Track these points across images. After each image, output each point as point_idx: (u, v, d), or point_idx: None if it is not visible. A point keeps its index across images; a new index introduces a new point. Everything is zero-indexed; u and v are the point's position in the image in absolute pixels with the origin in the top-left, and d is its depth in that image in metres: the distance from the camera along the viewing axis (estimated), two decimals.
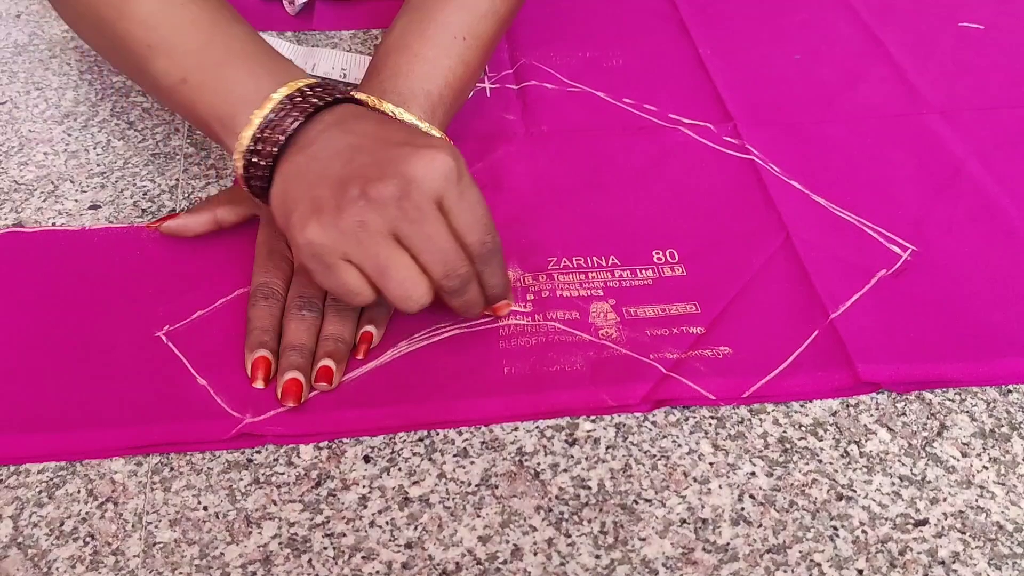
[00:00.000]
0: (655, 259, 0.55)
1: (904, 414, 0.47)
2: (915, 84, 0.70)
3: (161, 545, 0.41)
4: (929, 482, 0.44)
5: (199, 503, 0.43)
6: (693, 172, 0.62)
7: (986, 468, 0.45)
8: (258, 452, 0.45)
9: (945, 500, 0.43)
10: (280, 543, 0.42)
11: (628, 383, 0.48)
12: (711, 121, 0.66)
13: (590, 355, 0.49)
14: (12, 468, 0.45)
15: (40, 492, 0.44)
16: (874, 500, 0.43)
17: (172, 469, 0.45)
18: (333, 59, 0.71)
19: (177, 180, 0.61)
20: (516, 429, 0.46)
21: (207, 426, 0.46)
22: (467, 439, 0.46)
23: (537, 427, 0.46)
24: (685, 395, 0.48)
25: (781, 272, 0.54)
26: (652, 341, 0.50)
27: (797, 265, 0.54)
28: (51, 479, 0.44)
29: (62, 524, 0.42)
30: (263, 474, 0.44)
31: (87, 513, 0.43)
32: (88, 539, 0.42)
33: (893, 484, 0.44)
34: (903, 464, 0.45)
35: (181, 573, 0.40)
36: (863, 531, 0.42)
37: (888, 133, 0.65)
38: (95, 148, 0.64)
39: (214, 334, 0.51)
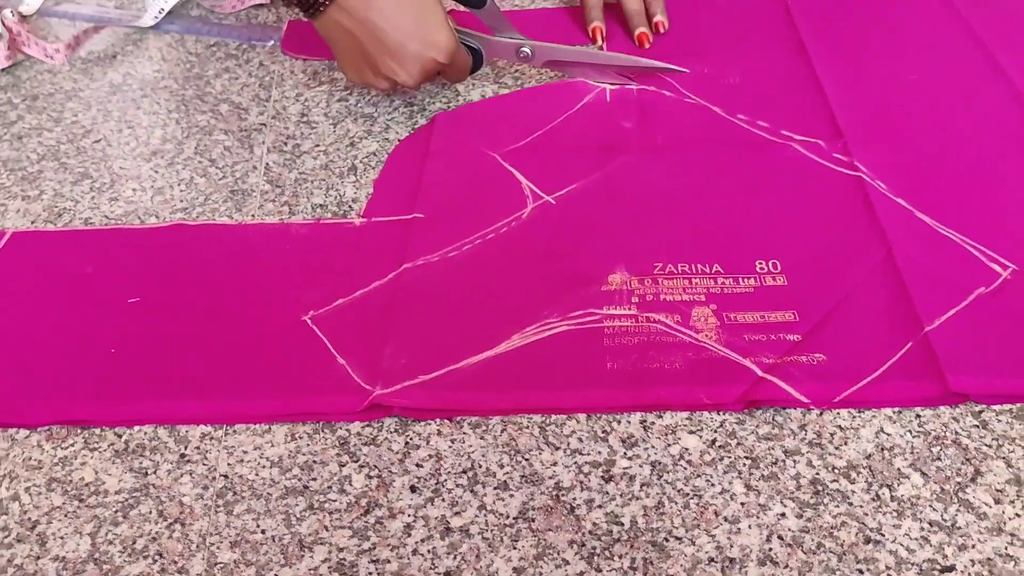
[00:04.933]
0: (758, 268, 0.58)
1: (939, 459, 0.48)
2: None
3: (221, 565, 0.45)
4: (959, 528, 0.45)
5: (258, 526, 0.46)
6: (801, 187, 0.64)
7: (1019, 515, 0.45)
8: (313, 479, 0.48)
9: (974, 547, 0.44)
10: (329, 567, 0.45)
11: (724, 383, 0.51)
12: (822, 137, 0.68)
13: (689, 355, 0.53)
14: (92, 488, 0.49)
15: (116, 512, 0.48)
16: (902, 544, 0.44)
17: (235, 493, 0.48)
18: None
19: (253, 215, 0.65)
20: (555, 464, 0.48)
21: (344, 399, 0.52)
22: (508, 472, 0.48)
23: (575, 463, 0.48)
24: (779, 397, 0.50)
25: (880, 286, 0.56)
26: (749, 345, 0.53)
27: (896, 280, 0.56)
28: (126, 500, 0.48)
29: (134, 542, 0.46)
30: (317, 500, 0.47)
31: (157, 532, 0.47)
32: (157, 557, 0.45)
33: (922, 529, 0.45)
34: (934, 509, 0.45)
35: None
36: (888, 575, 0.43)
37: (1000, 152, 0.66)
38: (179, 184, 0.68)
39: (353, 319, 0.57)
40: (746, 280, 0.57)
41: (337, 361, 0.54)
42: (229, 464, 0.49)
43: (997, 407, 0.50)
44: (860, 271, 0.57)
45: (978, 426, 0.49)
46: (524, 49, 0.74)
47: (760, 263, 0.58)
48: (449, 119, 0.73)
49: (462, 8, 0.72)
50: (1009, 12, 0.81)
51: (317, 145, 0.71)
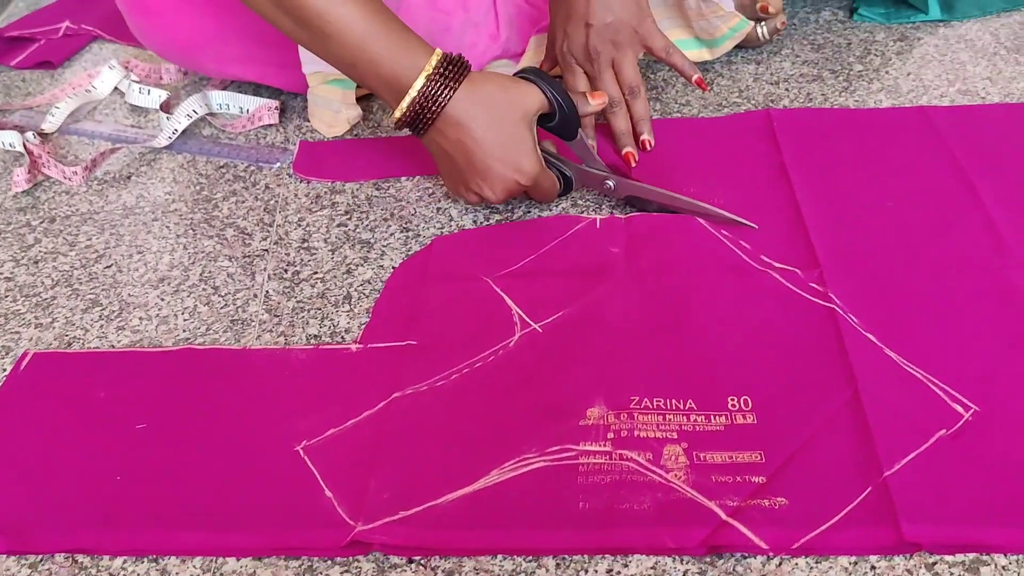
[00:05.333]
0: (729, 405, 0.60)
1: None
2: (1003, 236, 0.71)
3: None
4: None
5: None
6: (776, 319, 0.67)
7: None
8: None
9: None
10: None
11: (689, 526, 0.53)
12: (799, 266, 0.71)
13: (658, 496, 0.55)
14: None
15: None
16: None
17: None
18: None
19: (250, 345, 0.68)
20: None
21: (328, 534, 0.54)
22: None
23: None
24: (739, 543, 0.52)
25: (844, 426, 0.58)
26: (716, 487, 0.55)
27: (861, 421, 0.58)
28: None
29: None
30: None
31: None
32: None
33: None
34: None
35: None
36: None
37: (969, 286, 0.67)
38: (183, 313, 0.72)
39: (342, 450, 0.60)
40: (717, 418, 0.59)
41: (325, 494, 0.57)
42: None
43: (950, 558, 0.52)
44: (827, 410, 0.59)
45: None
46: (608, 182, 0.79)
47: (732, 400, 0.60)
48: (446, 244, 0.76)
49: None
50: (991, 139, 0.83)
51: (315, 272, 0.75)
